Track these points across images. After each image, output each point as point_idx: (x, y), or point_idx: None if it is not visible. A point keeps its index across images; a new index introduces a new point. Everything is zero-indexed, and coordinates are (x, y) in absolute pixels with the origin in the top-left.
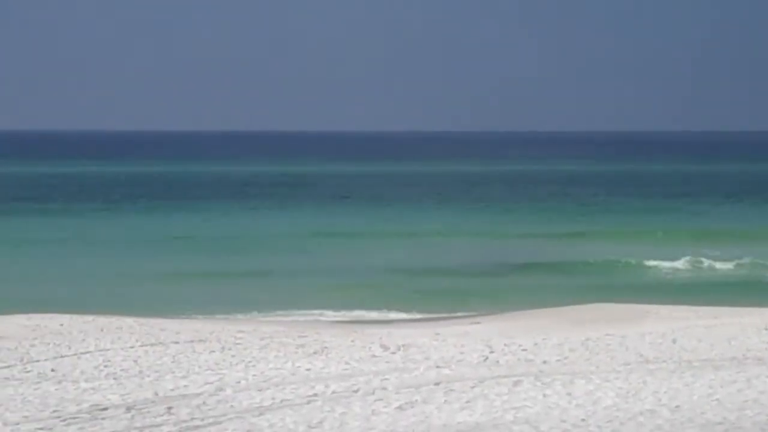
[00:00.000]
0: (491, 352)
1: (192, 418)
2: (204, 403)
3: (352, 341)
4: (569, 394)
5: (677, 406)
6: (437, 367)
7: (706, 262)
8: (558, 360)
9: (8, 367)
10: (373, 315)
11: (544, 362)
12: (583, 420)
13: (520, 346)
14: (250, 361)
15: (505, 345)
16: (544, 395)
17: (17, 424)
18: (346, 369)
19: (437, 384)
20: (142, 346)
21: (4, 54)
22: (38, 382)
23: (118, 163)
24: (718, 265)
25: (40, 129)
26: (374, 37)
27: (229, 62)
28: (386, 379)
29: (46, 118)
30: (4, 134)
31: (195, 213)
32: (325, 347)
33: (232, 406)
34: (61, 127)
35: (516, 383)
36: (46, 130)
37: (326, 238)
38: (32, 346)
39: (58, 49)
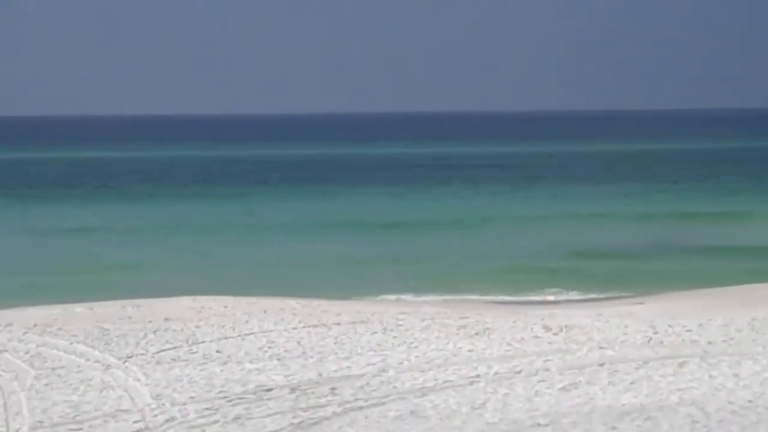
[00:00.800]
0: (655, 332)
1: (355, 399)
2: (367, 384)
3: (514, 322)
4: (736, 375)
5: None
6: (600, 348)
7: None
8: (724, 341)
9: (175, 348)
10: (534, 296)
11: (710, 343)
12: (750, 401)
13: (684, 326)
14: (412, 342)
15: (669, 326)
16: (710, 376)
17: (184, 404)
18: (508, 350)
19: (601, 365)
20: (304, 327)
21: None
22: (204, 363)
23: (272, 146)
24: None
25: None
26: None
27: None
28: (549, 360)
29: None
30: (179, 117)
31: (353, 196)
32: (487, 328)
33: (395, 387)
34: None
35: (681, 364)
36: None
37: (486, 221)
38: (197, 327)
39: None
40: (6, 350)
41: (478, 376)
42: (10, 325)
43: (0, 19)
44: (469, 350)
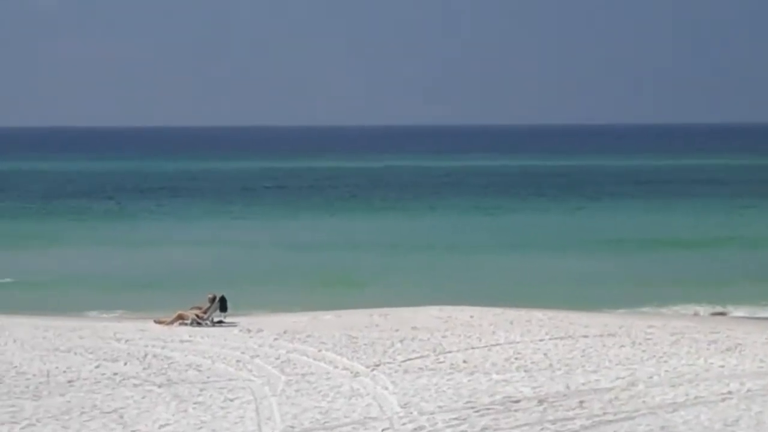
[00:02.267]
0: None
1: (604, 413)
2: (616, 397)
3: (767, 339)
4: None
5: None
6: None
7: None
8: None
9: (422, 357)
10: None
11: None
12: None
13: None
14: (661, 357)
15: None
16: None
17: (432, 413)
18: (761, 367)
19: None
20: (551, 339)
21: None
22: (451, 373)
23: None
24: None
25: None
26: None
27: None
28: None
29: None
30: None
31: (602, 211)
32: (738, 344)
33: (644, 401)
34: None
35: None
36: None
37: (722, 233)
38: (444, 337)
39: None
40: (258, 355)
41: (730, 392)
42: (261, 330)
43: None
44: (720, 366)
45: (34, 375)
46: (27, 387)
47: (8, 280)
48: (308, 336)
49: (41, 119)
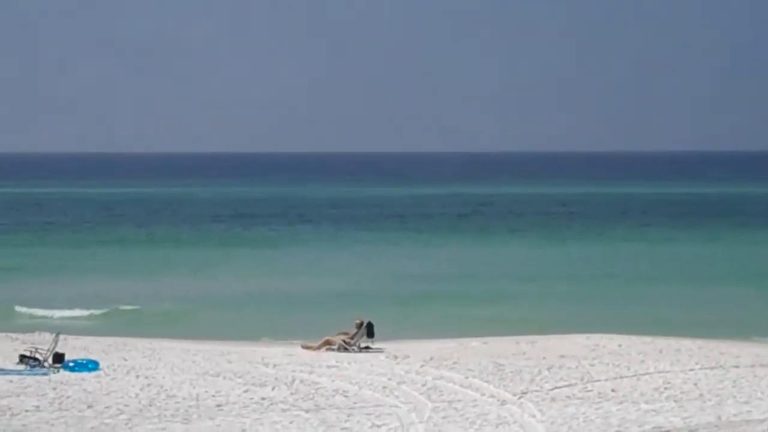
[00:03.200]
0: None
1: None
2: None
3: None
4: None
5: None
6: None
7: None
8: None
9: (569, 385)
10: None
11: None
12: None
13: None
14: None
15: None
16: None
17: None
18: None
19: None
20: (701, 368)
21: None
22: (599, 402)
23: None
24: None
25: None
26: None
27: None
28: None
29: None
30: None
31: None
32: None
33: None
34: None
35: None
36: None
37: None
38: (592, 365)
39: None
40: (404, 382)
41: None
42: (407, 357)
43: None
44: None
45: (184, 398)
46: (177, 410)
47: (161, 304)
48: (455, 363)
49: (208, 145)
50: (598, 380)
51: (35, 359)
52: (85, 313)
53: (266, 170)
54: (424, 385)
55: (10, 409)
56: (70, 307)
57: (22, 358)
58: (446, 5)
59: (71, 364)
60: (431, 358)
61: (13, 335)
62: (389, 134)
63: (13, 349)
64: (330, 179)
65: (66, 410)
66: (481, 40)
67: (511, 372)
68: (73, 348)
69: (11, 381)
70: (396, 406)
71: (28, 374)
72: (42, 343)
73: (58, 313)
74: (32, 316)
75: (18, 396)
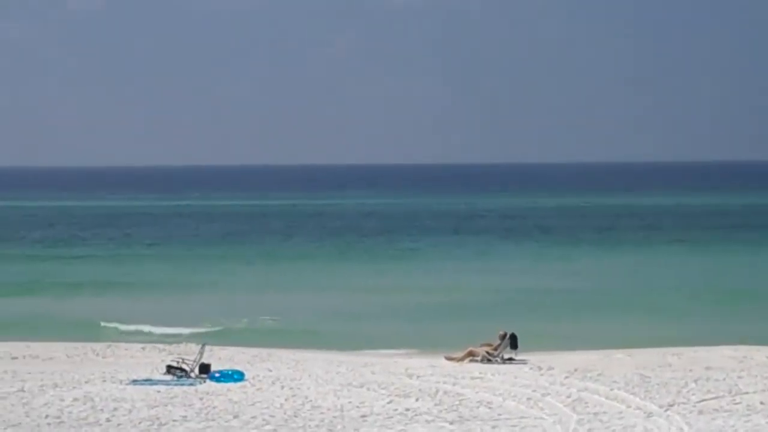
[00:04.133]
0: None
1: None
2: None
3: None
4: None
5: None
6: None
7: None
8: None
9: (717, 398)
10: None
11: None
12: None
13: None
14: None
15: None
16: None
17: None
18: None
19: None
20: None
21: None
22: (748, 415)
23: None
24: None
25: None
26: None
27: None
28: None
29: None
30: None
31: None
32: None
33: None
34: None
35: None
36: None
37: None
38: (740, 377)
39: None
40: (548, 393)
41: None
42: (551, 368)
43: None
44: None
45: (329, 409)
46: (322, 421)
47: (301, 317)
48: (599, 374)
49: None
50: (747, 392)
51: (182, 370)
52: (233, 324)
53: (411, 181)
54: (568, 397)
55: (158, 419)
56: (219, 319)
57: (170, 369)
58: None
59: (217, 375)
60: (575, 370)
61: (160, 346)
62: (532, 143)
63: (160, 360)
64: (467, 190)
65: (212, 420)
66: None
67: (657, 384)
68: (219, 359)
69: (159, 391)
70: (541, 418)
71: (176, 384)
72: (188, 354)
73: (200, 329)
74: (184, 325)
75: (165, 406)
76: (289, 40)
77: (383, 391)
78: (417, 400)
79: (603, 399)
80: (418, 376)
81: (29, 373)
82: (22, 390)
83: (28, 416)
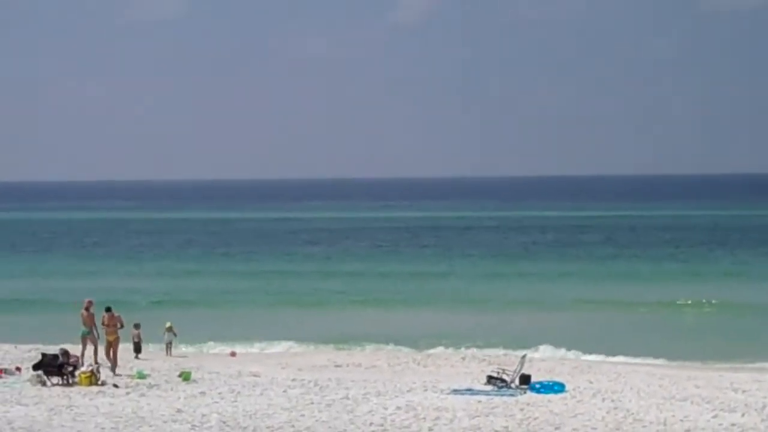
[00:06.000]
0: None
1: None
2: None
3: None
4: None
5: None
6: None
7: None
8: None
9: None
10: None
11: None
12: None
13: None
14: None
15: None
16: None
17: None
18: None
19: None
20: None
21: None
22: None
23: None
24: None
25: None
26: None
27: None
28: None
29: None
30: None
31: None
32: None
33: None
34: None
35: None
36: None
37: None
38: None
39: None
40: None
41: None
42: None
43: None
44: None
45: (651, 423)
46: None
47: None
48: None
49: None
50: None
51: (502, 380)
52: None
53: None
54: None
55: (479, 429)
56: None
57: (490, 379)
58: None
59: (538, 386)
60: None
61: (480, 356)
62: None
63: (480, 370)
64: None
65: (534, 431)
66: None
67: None
68: (538, 370)
69: (480, 401)
70: None
71: (496, 395)
72: (508, 365)
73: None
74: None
75: (487, 416)
76: None
77: (707, 406)
78: (743, 415)
79: None
80: (743, 391)
81: (353, 381)
82: (347, 398)
83: (352, 423)
